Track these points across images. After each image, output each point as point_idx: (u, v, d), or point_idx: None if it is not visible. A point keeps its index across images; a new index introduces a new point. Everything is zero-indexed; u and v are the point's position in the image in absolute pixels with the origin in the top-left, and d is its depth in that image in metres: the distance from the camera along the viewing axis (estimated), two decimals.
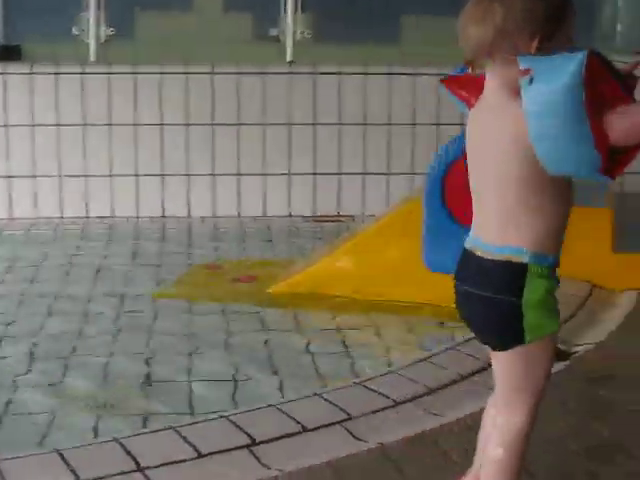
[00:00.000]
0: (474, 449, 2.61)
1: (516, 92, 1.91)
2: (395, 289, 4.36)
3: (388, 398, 3.00)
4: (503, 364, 2.10)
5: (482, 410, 2.74)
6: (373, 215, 5.80)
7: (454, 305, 2.17)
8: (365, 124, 6.21)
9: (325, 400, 2.97)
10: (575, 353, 3.47)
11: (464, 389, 3.13)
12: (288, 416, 2.85)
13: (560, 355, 3.45)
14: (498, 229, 2.01)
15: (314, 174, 6.20)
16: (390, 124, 6.23)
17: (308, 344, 3.86)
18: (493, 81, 2.01)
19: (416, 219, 4.24)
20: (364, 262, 4.43)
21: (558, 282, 2.05)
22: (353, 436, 2.77)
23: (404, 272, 4.32)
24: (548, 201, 1.98)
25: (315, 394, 3.02)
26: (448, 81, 2.21)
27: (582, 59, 1.80)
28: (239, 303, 4.35)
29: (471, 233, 2.12)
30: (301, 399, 3.00)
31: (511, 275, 2.00)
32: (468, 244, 2.11)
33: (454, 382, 3.17)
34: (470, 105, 2.13)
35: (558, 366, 3.29)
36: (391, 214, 4.50)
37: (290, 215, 6.11)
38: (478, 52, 1.99)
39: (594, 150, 1.84)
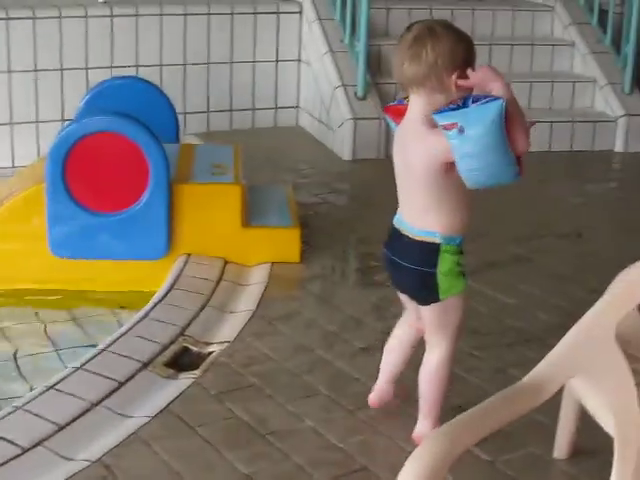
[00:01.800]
0: None
1: (433, 122, 2.56)
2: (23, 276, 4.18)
3: (14, 444, 2.84)
4: (426, 315, 2.77)
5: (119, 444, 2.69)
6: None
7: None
8: (9, 72, 5.82)
9: None
10: (210, 354, 3.46)
11: (97, 419, 3.02)
12: None
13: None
14: (420, 217, 2.65)
15: None
16: (36, 70, 5.88)
17: None
18: (418, 105, 2.64)
19: (39, 203, 4.09)
20: None
21: (462, 254, 2.71)
22: None
23: (28, 258, 4.15)
24: (455, 199, 2.64)
25: None
26: (388, 109, 2.85)
27: (501, 108, 2.45)
28: None
29: (398, 215, 2.74)
30: None
31: (428, 252, 2.65)
32: (396, 224, 2.74)
33: (86, 411, 3.05)
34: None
35: (186, 381, 3.26)
36: (15, 198, 4.23)
37: None
38: (411, 84, 2.63)
39: (516, 167, 2.54)
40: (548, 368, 1.91)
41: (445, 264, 2.65)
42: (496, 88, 2.52)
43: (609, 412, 2.00)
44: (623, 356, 1.90)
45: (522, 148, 2.52)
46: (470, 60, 2.63)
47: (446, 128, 2.53)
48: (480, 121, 2.47)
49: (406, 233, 2.70)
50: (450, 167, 2.59)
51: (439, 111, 2.57)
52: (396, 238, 2.74)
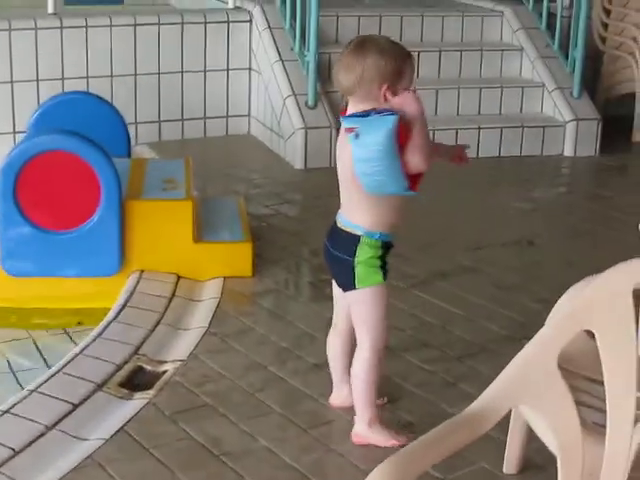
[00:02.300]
0: None
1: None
2: None
3: None
4: (350, 304, 3.01)
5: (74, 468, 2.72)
6: None
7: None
8: None
9: None
10: (164, 373, 3.49)
11: (52, 443, 3.03)
12: None
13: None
14: (350, 211, 2.93)
15: None
16: None
17: None
18: (351, 111, 2.85)
19: None
20: None
21: (388, 249, 2.95)
22: None
23: None
24: (380, 200, 2.87)
25: None
26: (343, 112, 2.96)
27: (394, 122, 2.70)
28: None
29: (340, 210, 2.99)
30: None
31: (351, 242, 2.91)
32: (336, 217, 3.00)
33: (41, 435, 3.07)
34: None
35: (140, 401, 3.28)
36: None
37: None
38: (345, 92, 2.88)
39: (403, 178, 2.76)
40: (493, 397, 1.96)
41: (363, 254, 2.91)
42: (411, 112, 2.78)
43: (553, 434, 2.05)
44: (565, 383, 1.96)
45: (414, 167, 2.78)
46: (400, 74, 2.85)
47: (347, 131, 2.80)
48: (373, 130, 2.73)
49: (339, 225, 2.98)
50: None
51: (346, 115, 2.84)
52: (333, 229, 3.02)
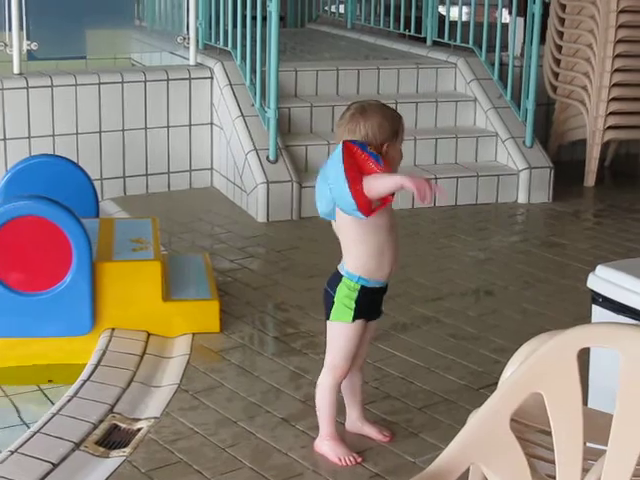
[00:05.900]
0: None
1: None
2: None
3: None
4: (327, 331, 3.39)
5: None
6: None
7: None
8: None
9: None
10: (139, 431, 3.62)
11: None
12: None
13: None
14: (343, 253, 3.32)
15: None
16: None
17: None
18: None
19: None
20: None
21: (372, 294, 3.32)
22: None
23: None
24: (355, 248, 3.26)
25: None
26: None
27: (340, 147, 3.06)
28: None
29: None
30: None
31: (337, 279, 3.30)
32: None
33: None
34: None
35: (117, 459, 3.42)
36: None
37: None
38: None
39: (352, 199, 3.05)
40: (451, 456, 2.12)
41: (340, 293, 3.30)
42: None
43: None
44: (518, 444, 2.13)
45: (368, 193, 3.06)
46: (397, 132, 3.25)
47: None
48: (331, 158, 3.14)
49: (338, 265, 3.37)
50: (351, 221, 3.20)
51: None
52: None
